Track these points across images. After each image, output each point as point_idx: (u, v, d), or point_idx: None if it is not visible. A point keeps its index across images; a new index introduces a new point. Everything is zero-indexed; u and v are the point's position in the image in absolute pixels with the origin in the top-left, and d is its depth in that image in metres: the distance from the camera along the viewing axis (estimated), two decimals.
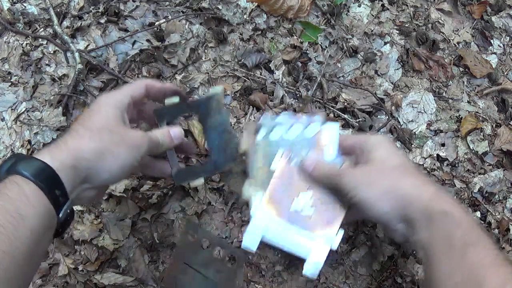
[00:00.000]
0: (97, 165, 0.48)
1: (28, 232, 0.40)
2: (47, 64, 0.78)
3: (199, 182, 0.60)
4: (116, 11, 0.81)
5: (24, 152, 0.72)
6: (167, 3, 0.84)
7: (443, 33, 0.89)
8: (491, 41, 0.90)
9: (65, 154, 0.46)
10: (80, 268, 0.67)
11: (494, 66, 0.87)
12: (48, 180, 0.43)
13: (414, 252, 0.72)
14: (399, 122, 0.81)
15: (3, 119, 0.74)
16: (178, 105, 0.60)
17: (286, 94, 0.79)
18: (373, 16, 0.88)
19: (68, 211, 0.46)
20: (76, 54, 0.75)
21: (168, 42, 0.79)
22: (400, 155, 0.55)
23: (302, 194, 0.56)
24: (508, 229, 0.76)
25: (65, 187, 0.45)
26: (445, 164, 0.80)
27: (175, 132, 0.58)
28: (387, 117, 0.80)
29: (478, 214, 0.77)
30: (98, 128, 0.49)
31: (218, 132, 0.60)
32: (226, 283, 0.67)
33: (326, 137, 0.59)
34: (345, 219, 0.56)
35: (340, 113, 0.79)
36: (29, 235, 0.40)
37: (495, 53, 0.89)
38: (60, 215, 0.45)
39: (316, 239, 0.54)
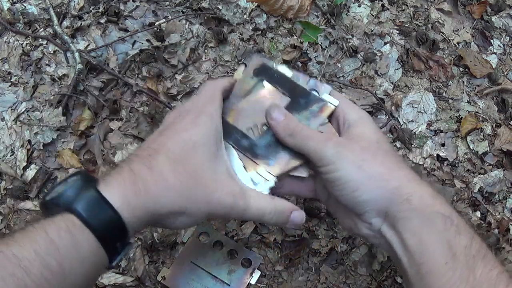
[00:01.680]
0: (169, 221, 0.41)
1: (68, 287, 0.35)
2: (47, 64, 0.78)
3: None
4: (116, 11, 0.81)
5: (24, 152, 0.72)
6: (167, 3, 0.84)
7: (443, 33, 0.89)
8: (491, 41, 0.90)
9: (141, 205, 0.38)
10: None
11: (494, 66, 0.87)
12: (112, 234, 0.37)
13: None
14: (399, 122, 0.81)
15: (3, 119, 0.74)
16: (285, 78, 0.52)
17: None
18: (373, 16, 0.88)
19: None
20: (76, 54, 0.75)
21: (168, 42, 0.79)
22: (386, 138, 0.48)
23: (262, 127, 0.51)
24: (508, 229, 0.76)
25: (129, 237, 0.38)
26: (445, 164, 0.80)
27: (296, 217, 0.47)
28: (387, 117, 0.80)
29: (478, 214, 0.77)
30: (189, 174, 0.40)
31: None
32: (238, 284, 0.67)
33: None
34: (303, 190, 0.52)
35: None
36: None
37: (495, 53, 0.89)
38: (114, 263, 0.39)
39: (253, 171, 0.49)
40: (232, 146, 0.50)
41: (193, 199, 0.41)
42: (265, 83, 0.54)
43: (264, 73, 0.54)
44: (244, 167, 0.49)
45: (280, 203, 0.47)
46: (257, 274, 0.68)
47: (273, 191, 0.49)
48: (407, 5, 0.90)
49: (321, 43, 0.84)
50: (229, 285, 0.66)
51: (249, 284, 0.67)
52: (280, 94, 0.53)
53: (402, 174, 0.44)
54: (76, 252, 0.35)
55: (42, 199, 0.38)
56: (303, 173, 0.50)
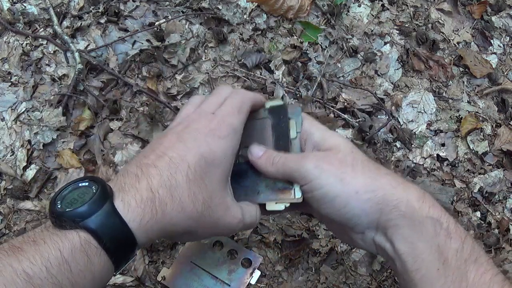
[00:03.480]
0: (175, 238, 0.44)
1: None
2: (47, 64, 0.78)
3: None
4: (116, 11, 0.81)
5: (24, 152, 0.72)
6: (167, 3, 0.84)
7: (443, 33, 0.89)
8: (491, 41, 0.90)
9: (156, 226, 0.39)
10: None
11: (494, 66, 0.87)
12: (125, 252, 0.38)
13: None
14: (399, 122, 0.81)
15: (3, 119, 0.74)
16: (285, 132, 0.49)
17: (286, 94, 0.79)
18: (373, 16, 0.88)
19: None
20: (76, 54, 0.75)
21: (168, 42, 0.79)
22: (357, 148, 0.47)
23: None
24: (508, 229, 0.76)
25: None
26: (445, 164, 0.80)
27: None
28: (387, 117, 0.80)
29: (478, 214, 0.77)
30: (203, 198, 0.41)
31: None
32: (238, 284, 0.67)
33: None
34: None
35: (340, 113, 0.79)
36: None
37: (495, 53, 0.89)
38: (117, 273, 0.40)
39: None
40: None
41: (203, 223, 0.42)
42: (269, 121, 0.52)
43: (275, 115, 0.52)
44: None
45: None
46: (257, 274, 0.68)
47: None
48: (407, 5, 0.90)
49: (321, 43, 0.84)
50: (229, 285, 0.66)
51: (249, 284, 0.67)
52: (271, 136, 0.51)
53: (386, 181, 0.43)
54: (89, 272, 0.36)
55: (53, 208, 0.37)
56: None
